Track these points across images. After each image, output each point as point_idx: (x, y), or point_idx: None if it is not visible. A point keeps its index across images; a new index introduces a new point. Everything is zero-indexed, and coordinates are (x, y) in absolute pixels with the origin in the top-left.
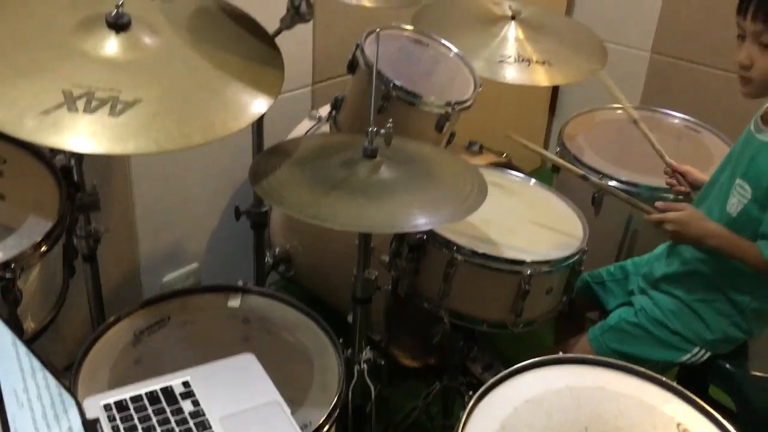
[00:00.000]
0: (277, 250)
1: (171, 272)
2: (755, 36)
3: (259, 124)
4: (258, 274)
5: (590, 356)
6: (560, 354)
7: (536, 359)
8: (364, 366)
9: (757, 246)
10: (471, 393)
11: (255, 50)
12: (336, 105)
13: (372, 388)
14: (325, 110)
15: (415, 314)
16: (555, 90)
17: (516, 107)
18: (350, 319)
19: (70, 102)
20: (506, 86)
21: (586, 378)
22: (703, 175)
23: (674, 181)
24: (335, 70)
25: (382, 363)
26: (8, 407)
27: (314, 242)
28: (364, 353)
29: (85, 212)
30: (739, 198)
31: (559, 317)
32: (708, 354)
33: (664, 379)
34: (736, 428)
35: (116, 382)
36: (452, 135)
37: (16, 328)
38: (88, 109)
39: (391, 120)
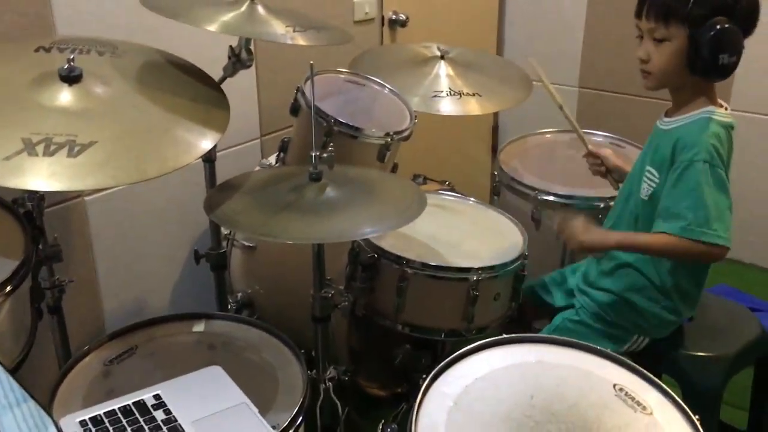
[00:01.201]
0: (239, 295)
1: None
2: (650, 33)
3: (211, 175)
4: None
5: (529, 335)
6: (503, 335)
7: (481, 342)
8: (329, 384)
9: (657, 233)
10: (424, 376)
11: (201, 94)
12: (283, 147)
13: (339, 406)
14: (274, 158)
15: (377, 342)
16: (495, 131)
17: (459, 148)
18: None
19: (29, 148)
20: (447, 125)
21: (528, 354)
22: (618, 160)
23: (596, 162)
24: (281, 122)
25: (347, 379)
26: None
27: (274, 284)
28: (328, 372)
29: (48, 263)
30: (648, 183)
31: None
32: (646, 340)
33: (599, 348)
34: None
35: None
36: (395, 166)
37: None
38: (48, 153)
39: (332, 145)
